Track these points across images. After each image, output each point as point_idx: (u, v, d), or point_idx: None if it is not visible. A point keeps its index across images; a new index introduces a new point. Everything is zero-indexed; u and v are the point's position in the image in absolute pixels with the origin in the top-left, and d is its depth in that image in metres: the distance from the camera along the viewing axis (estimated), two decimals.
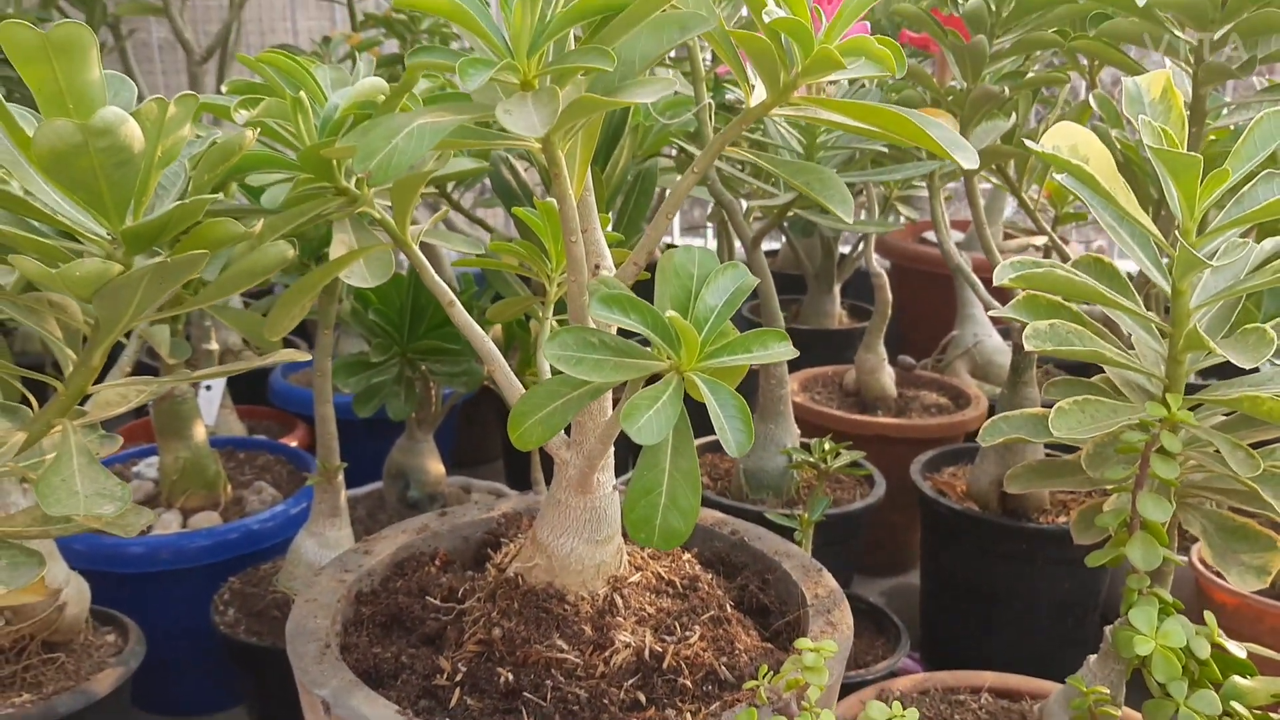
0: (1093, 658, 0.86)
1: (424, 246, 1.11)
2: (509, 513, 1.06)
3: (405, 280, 1.37)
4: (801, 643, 0.72)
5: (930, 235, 2.46)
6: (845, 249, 2.27)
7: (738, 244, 1.76)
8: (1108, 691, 0.83)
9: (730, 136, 0.75)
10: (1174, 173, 0.76)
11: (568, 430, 0.85)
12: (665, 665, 0.81)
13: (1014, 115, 1.38)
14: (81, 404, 0.81)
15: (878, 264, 1.81)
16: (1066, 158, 0.80)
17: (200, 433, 1.38)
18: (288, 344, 2.15)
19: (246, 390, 1.89)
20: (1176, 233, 0.79)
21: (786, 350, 0.69)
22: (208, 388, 1.63)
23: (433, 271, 0.85)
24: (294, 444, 1.66)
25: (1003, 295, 1.20)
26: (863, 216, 1.99)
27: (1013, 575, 1.38)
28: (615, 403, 0.81)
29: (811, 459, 1.29)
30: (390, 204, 0.88)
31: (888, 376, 1.78)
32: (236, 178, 0.86)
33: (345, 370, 1.37)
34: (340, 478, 1.23)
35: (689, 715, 0.77)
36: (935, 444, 1.60)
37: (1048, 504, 1.38)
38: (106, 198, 0.69)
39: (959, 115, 1.28)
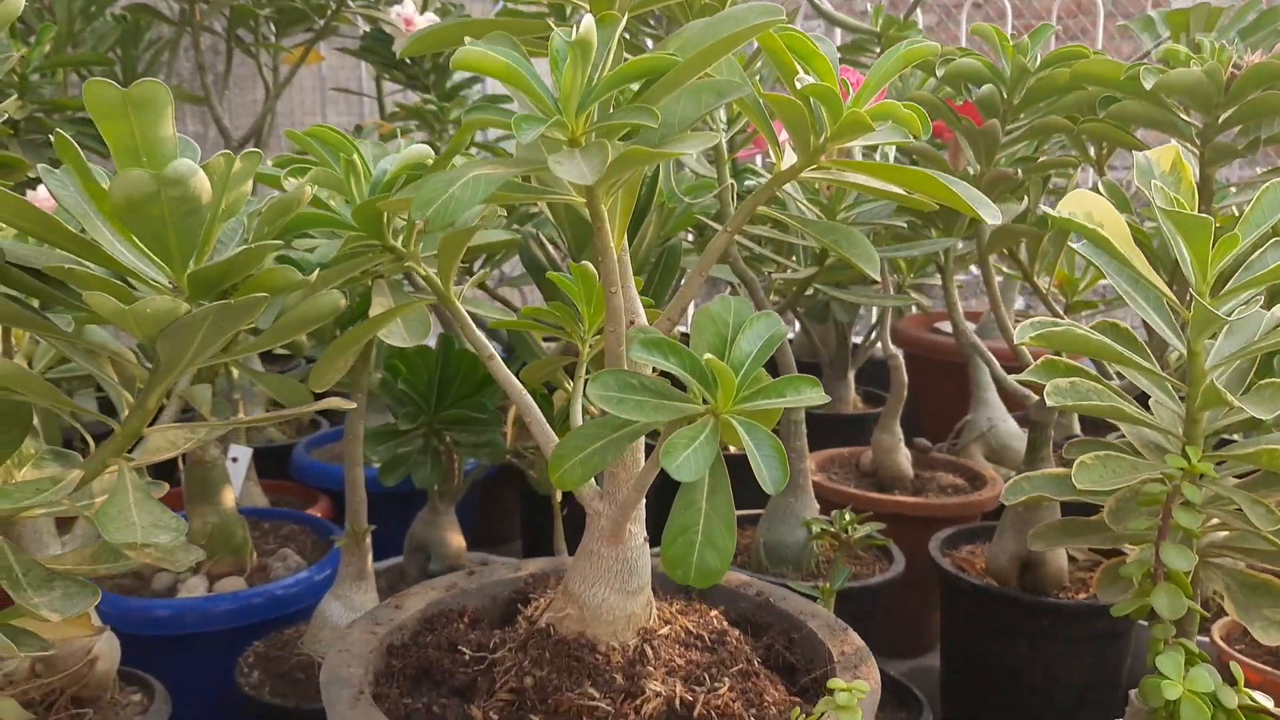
0: None
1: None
2: (536, 573, 1.08)
3: (434, 353, 1.41)
4: (834, 683, 0.73)
5: (942, 325, 2.50)
6: (858, 339, 2.31)
7: None
8: None
9: (763, 198, 0.80)
10: (1186, 235, 0.79)
11: (599, 481, 0.88)
12: (696, 715, 0.82)
13: (1026, 200, 1.43)
14: (130, 450, 0.84)
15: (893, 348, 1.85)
16: (1083, 222, 0.83)
17: (229, 499, 1.40)
18: (314, 422, 2.17)
19: (270, 466, 1.91)
20: (1191, 293, 0.82)
21: (818, 395, 0.72)
22: (234, 460, 1.65)
23: (474, 326, 0.89)
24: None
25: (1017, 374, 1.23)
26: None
27: (1033, 653, 1.38)
28: (648, 455, 0.83)
29: (833, 529, 1.31)
30: (434, 267, 0.92)
31: (904, 457, 1.80)
32: (290, 238, 0.90)
33: (373, 439, 1.40)
34: (368, 541, 1.25)
35: None
36: (952, 523, 1.61)
37: (1068, 580, 1.38)
38: (173, 246, 0.73)
39: None
